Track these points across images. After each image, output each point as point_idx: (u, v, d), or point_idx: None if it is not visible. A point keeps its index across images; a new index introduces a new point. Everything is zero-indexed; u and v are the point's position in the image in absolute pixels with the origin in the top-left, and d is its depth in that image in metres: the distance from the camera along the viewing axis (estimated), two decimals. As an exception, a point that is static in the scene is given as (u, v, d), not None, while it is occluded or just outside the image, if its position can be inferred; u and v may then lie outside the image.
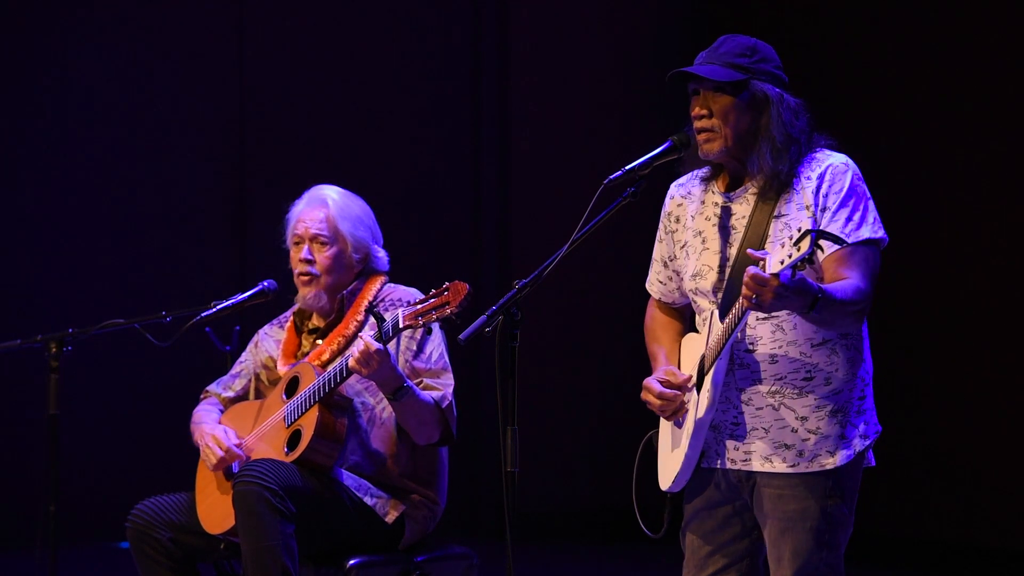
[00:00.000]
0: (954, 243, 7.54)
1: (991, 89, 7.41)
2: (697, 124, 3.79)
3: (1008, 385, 7.32)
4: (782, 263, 3.39)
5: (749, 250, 3.53)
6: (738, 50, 3.77)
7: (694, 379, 3.82)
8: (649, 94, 8.59)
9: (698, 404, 3.79)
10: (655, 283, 4.07)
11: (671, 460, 3.87)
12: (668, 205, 4.00)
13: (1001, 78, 7.37)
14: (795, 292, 3.45)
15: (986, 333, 7.43)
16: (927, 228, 7.59)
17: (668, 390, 3.80)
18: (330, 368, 4.69)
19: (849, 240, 3.65)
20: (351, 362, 4.56)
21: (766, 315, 3.71)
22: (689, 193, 3.94)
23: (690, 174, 3.95)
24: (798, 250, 3.34)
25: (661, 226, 4.02)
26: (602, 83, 8.62)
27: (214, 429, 4.85)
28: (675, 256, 3.98)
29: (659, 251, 4.04)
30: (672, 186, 4.00)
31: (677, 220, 3.97)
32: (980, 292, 7.45)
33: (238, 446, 4.82)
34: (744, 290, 3.47)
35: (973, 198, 7.47)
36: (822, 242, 3.34)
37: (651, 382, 3.83)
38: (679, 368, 3.91)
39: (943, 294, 7.58)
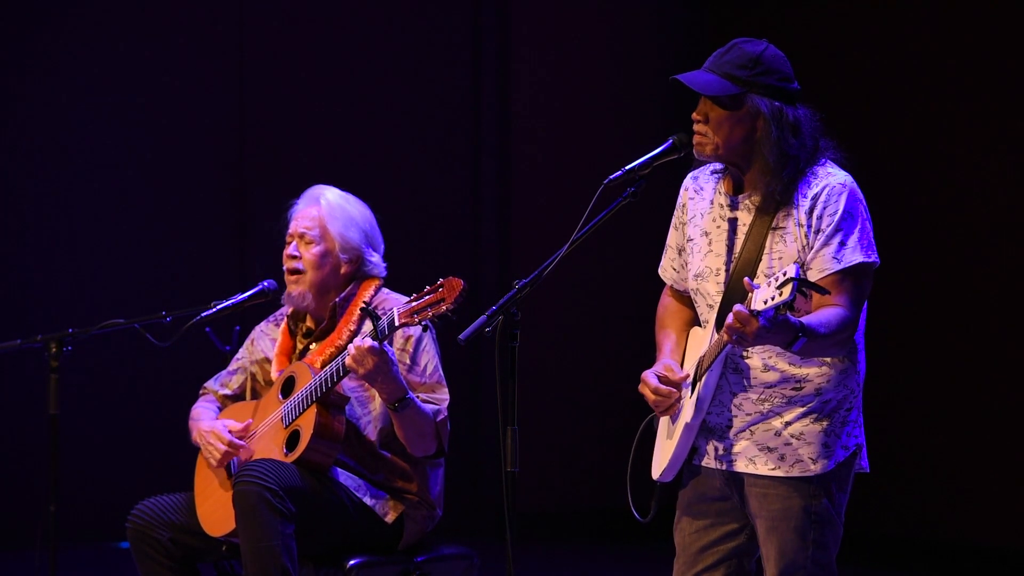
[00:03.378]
0: (950, 243, 7.54)
1: (992, 90, 7.41)
2: (694, 127, 3.80)
3: (1006, 384, 7.32)
4: (765, 303, 3.43)
5: (746, 279, 3.56)
6: (740, 61, 3.75)
7: (691, 378, 3.83)
8: (650, 94, 8.60)
9: (690, 406, 3.81)
10: (668, 269, 4.07)
11: (663, 451, 3.90)
12: (681, 196, 4.00)
13: (1003, 80, 7.37)
14: (775, 331, 3.49)
15: (984, 332, 7.42)
16: (924, 227, 7.58)
17: (663, 386, 3.81)
18: (327, 367, 4.68)
19: (841, 265, 3.68)
20: (347, 360, 4.54)
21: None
22: (701, 189, 3.94)
23: (704, 167, 3.95)
24: (780, 295, 3.39)
25: (675, 215, 4.02)
26: (603, 83, 8.62)
27: (212, 425, 4.84)
28: (684, 248, 3.99)
29: (673, 238, 4.04)
30: (687, 177, 4.00)
31: (687, 213, 3.97)
32: (977, 291, 7.44)
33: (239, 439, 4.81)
34: (725, 327, 3.51)
35: (972, 199, 7.46)
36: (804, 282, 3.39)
37: (648, 376, 3.85)
38: (683, 362, 3.92)
39: (940, 293, 7.58)
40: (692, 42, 8.64)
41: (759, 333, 3.47)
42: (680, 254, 4.01)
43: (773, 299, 3.41)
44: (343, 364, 4.58)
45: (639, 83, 8.62)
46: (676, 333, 3.99)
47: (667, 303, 4.08)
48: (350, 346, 4.54)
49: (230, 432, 4.82)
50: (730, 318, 3.49)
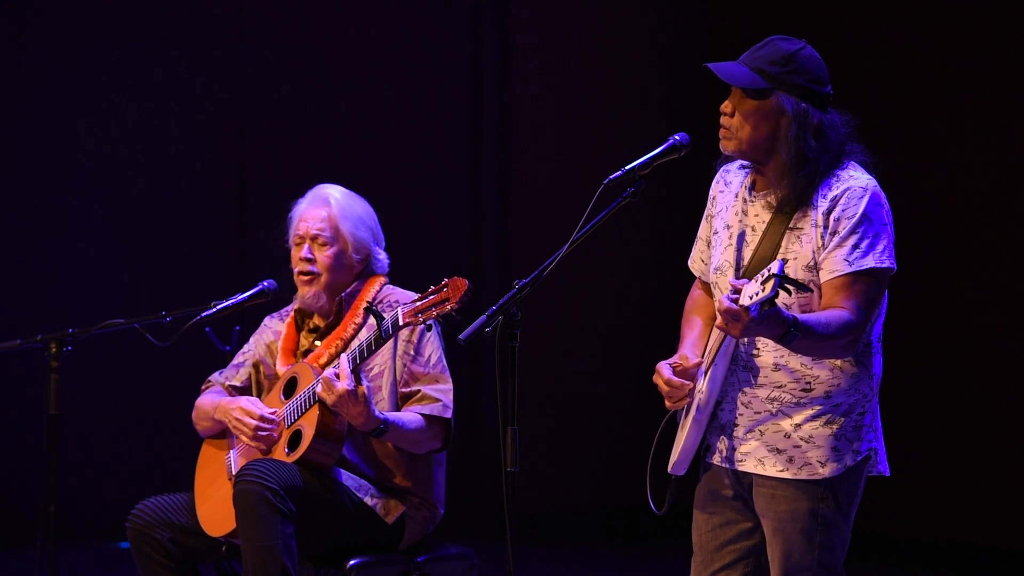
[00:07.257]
0: (953, 245, 7.54)
1: (995, 91, 7.41)
2: (721, 120, 3.80)
3: (1008, 385, 7.32)
4: (751, 298, 3.45)
5: (731, 279, 3.58)
6: (773, 57, 3.74)
7: (705, 368, 3.83)
8: (650, 93, 8.60)
9: (696, 400, 3.81)
10: (697, 261, 4.07)
11: (676, 443, 3.91)
12: (712, 188, 4.00)
13: (1006, 80, 7.37)
14: (767, 324, 3.50)
15: (987, 333, 7.43)
16: (929, 228, 7.58)
17: (676, 378, 3.81)
18: (328, 369, 4.68)
19: (851, 268, 3.67)
20: (317, 389, 4.55)
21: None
22: (729, 183, 3.95)
23: (735, 161, 3.94)
24: (763, 290, 3.41)
25: (707, 206, 4.02)
26: (603, 83, 8.62)
27: (237, 400, 4.80)
28: (711, 241, 4.00)
29: (703, 230, 4.04)
30: (720, 170, 4.00)
31: (716, 205, 3.97)
32: (981, 293, 7.44)
33: (271, 414, 4.76)
34: (718, 319, 3.52)
35: (986, 202, 7.46)
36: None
37: (662, 366, 3.84)
38: (704, 352, 3.91)
39: (943, 295, 7.58)
40: (693, 41, 8.64)
41: (749, 326, 3.48)
42: (709, 246, 4.01)
43: (757, 294, 3.42)
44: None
45: (640, 83, 8.62)
46: (701, 324, 3.99)
47: (696, 295, 4.08)
48: (319, 376, 4.55)
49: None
50: (719, 307, 3.51)
